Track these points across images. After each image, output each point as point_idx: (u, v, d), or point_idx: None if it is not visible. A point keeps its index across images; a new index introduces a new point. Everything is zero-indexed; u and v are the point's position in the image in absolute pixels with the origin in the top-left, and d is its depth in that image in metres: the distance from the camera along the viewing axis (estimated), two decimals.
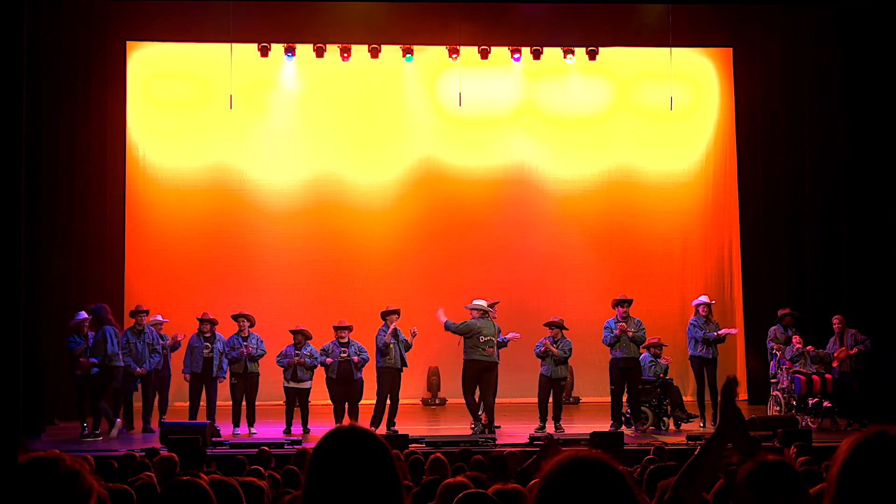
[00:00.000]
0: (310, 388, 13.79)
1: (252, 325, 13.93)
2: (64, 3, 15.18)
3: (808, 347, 14.05)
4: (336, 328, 13.88)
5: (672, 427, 13.75)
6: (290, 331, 13.90)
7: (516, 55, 17.18)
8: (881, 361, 14.58)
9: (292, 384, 13.70)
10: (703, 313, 14.10)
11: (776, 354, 14.28)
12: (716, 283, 17.74)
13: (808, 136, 16.22)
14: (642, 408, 13.72)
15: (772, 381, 14.40)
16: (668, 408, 13.85)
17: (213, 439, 12.09)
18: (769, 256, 16.82)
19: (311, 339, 13.89)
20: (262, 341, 13.83)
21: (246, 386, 13.71)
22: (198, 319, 14.01)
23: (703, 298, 14.45)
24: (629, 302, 13.87)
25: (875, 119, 15.43)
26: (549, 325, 13.90)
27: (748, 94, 17.35)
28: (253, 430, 13.60)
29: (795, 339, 14.16)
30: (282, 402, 13.94)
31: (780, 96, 16.74)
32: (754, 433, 10.76)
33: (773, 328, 14.55)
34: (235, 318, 13.93)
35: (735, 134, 17.64)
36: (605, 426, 13.17)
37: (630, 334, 13.57)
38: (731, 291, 17.66)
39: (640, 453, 10.13)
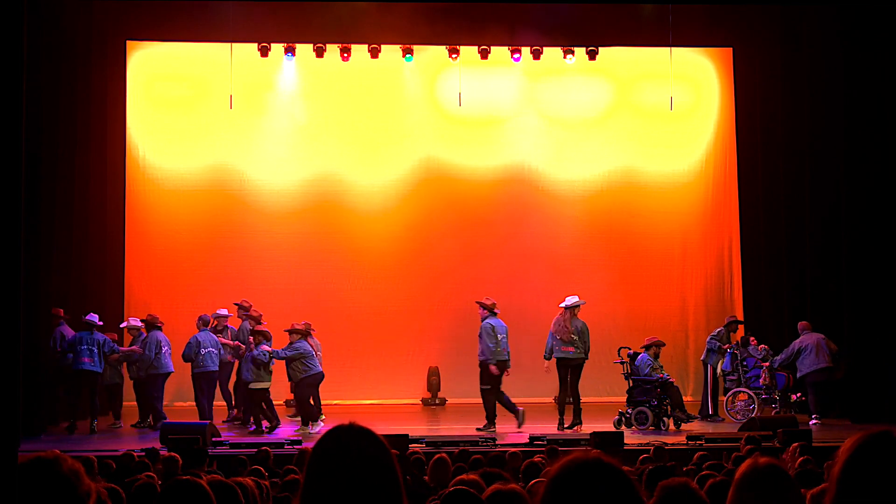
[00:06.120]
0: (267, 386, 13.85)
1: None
2: (64, 3, 15.16)
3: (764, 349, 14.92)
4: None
5: (672, 427, 13.74)
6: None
7: (516, 55, 17.17)
8: (881, 361, 14.57)
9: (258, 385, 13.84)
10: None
11: (737, 355, 14.83)
12: (716, 283, 17.74)
13: (808, 136, 16.19)
14: (640, 408, 13.71)
15: (730, 378, 14.80)
16: (668, 408, 13.84)
17: (213, 439, 12.09)
18: (769, 256, 16.81)
19: (270, 340, 13.99)
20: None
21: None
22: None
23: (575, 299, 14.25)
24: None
25: (875, 119, 15.39)
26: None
27: (748, 94, 17.34)
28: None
29: (752, 340, 14.94)
30: (281, 403, 13.95)
31: (780, 96, 16.72)
32: (754, 433, 10.73)
33: (719, 329, 15.21)
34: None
35: (735, 134, 17.63)
36: (605, 426, 13.15)
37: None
38: (731, 291, 17.66)
39: (640, 453, 10.10)
